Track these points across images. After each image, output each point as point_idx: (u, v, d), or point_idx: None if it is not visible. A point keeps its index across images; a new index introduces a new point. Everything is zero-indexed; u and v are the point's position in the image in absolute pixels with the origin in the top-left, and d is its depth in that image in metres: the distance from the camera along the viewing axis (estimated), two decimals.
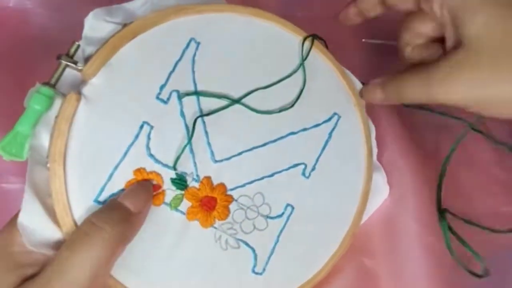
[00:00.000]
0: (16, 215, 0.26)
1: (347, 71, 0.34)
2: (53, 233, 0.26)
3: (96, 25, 0.28)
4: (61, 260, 0.24)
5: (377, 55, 0.41)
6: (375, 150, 0.35)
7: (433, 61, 0.27)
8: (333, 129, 0.32)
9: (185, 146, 0.28)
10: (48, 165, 0.26)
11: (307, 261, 0.32)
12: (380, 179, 0.35)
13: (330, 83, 0.33)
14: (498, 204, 0.38)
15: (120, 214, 0.25)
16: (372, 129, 0.35)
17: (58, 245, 0.25)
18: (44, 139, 0.26)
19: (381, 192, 0.35)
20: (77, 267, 0.23)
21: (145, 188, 0.27)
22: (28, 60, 0.37)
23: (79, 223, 0.26)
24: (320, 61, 0.32)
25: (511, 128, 0.40)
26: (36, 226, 0.25)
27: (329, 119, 0.32)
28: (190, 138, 0.28)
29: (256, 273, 0.30)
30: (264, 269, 0.30)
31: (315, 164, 0.32)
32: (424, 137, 0.39)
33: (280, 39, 0.31)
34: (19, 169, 0.35)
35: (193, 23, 0.29)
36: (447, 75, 0.26)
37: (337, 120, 0.32)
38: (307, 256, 0.32)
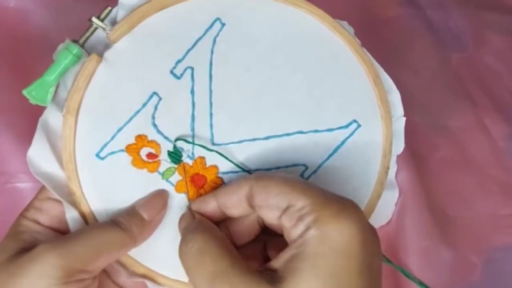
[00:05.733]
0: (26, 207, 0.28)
1: (385, 76, 0.31)
2: (58, 172, 0.29)
3: None
4: (82, 231, 0.27)
5: None
6: (393, 169, 0.32)
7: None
8: (348, 137, 0.30)
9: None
10: (63, 114, 0.29)
11: None
12: (390, 200, 0.32)
13: (357, 86, 0.30)
14: (497, 206, 0.37)
15: (134, 220, 0.28)
16: (400, 148, 0.32)
17: (60, 184, 0.29)
18: (65, 91, 0.29)
19: (385, 214, 0.32)
20: (88, 247, 0.26)
21: (160, 199, 0.29)
22: (28, 60, 0.37)
23: (80, 170, 0.29)
24: (354, 60, 0.30)
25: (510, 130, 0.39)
26: (42, 162, 0.29)
27: (347, 126, 0.30)
28: (193, 117, 0.29)
29: None
30: None
31: (317, 169, 0.30)
32: (421, 139, 0.38)
33: (312, 31, 0.30)
34: None
35: (222, 2, 0.29)
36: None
37: (355, 129, 0.30)
38: None
